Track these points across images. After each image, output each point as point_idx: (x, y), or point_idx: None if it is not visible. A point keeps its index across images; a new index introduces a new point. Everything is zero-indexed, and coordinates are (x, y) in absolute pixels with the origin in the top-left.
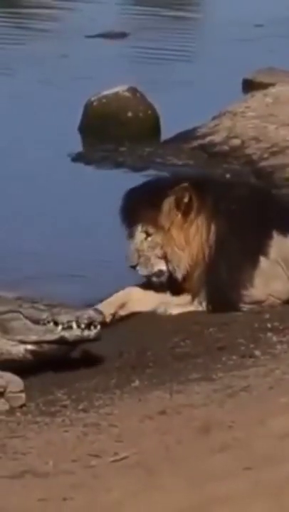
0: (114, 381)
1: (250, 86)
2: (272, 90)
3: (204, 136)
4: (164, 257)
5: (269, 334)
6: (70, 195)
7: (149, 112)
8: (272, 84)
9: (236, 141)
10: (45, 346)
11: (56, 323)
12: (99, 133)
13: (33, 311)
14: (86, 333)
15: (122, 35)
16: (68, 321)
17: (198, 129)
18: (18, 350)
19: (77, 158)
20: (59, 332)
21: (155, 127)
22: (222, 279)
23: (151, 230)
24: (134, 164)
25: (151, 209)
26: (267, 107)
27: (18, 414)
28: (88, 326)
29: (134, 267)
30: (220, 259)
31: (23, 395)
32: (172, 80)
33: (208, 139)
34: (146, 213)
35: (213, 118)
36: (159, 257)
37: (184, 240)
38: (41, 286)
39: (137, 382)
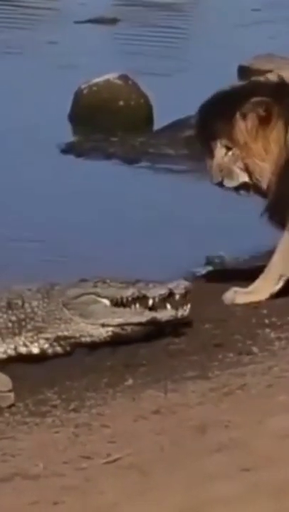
0: (107, 380)
1: (246, 73)
2: (270, 77)
3: None
4: (247, 169)
5: (267, 330)
6: (60, 188)
7: (142, 100)
8: (270, 71)
9: None
10: (128, 328)
11: (146, 299)
12: (89, 122)
13: (113, 290)
14: (180, 312)
15: (113, 21)
16: (160, 295)
17: (192, 118)
18: (100, 332)
19: (66, 148)
20: (149, 313)
21: (148, 116)
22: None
23: (229, 144)
24: (126, 155)
25: (227, 124)
26: None
27: (7, 414)
28: (181, 305)
29: (219, 184)
30: None
31: (11, 394)
32: (165, 67)
33: None
34: (222, 128)
35: None
36: (242, 169)
37: (264, 150)
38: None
39: (130, 381)
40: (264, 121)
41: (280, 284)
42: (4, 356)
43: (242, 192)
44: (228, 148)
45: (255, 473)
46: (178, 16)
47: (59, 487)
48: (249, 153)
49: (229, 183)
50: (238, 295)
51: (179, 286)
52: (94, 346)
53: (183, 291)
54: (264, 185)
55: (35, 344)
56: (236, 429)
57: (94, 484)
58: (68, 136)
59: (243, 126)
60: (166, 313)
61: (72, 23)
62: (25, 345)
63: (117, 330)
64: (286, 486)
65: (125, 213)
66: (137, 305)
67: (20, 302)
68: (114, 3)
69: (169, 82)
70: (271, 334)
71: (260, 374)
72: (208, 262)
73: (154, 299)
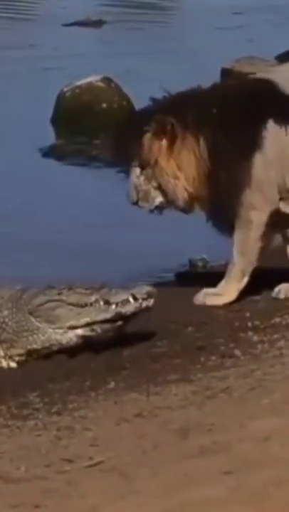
0: (89, 383)
1: (229, 76)
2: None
3: None
4: (160, 189)
5: (250, 333)
6: (42, 191)
7: (124, 102)
8: (253, 74)
9: None
10: (98, 328)
11: (108, 303)
12: (72, 125)
13: (77, 297)
14: (144, 303)
15: (99, 23)
16: (124, 300)
17: None
18: (69, 337)
19: (48, 151)
20: (113, 309)
21: None
22: (221, 189)
23: (142, 164)
24: (108, 158)
25: (137, 144)
26: None
27: None
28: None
29: (136, 204)
30: (216, 168)
31: None
32: (148, 70)
33: None
34: (133, 148)
35: None
36: (156, 188)
37: (177, 168)
38: None
39: (112, 384)
40: (171, 138)
41: (246, 280)
42: None
43: (156, 213)
44: (143, 168)
45: (237, 476)
46: (162, 19)
47: (41, 490)
48: (161, 172)
49: (144, 206)
50: (207, 297)
51: (141, 291)
52: (76, 349)
53: (145, 296)
54: (180, 203)
55: (12, 358)
56: (219, 432)
57: (76, 487)
58: (51, 139)
59: (151, 145)
60: (131, 306)
61: (59, 25)
62: (4, 357)
63: (87, 331)
64: (267, 489)
65: (107, 215)
66: (101, 303)
67: None
68: (100, 6)
69: (152, 84)
70: (254, 337)
71: (242, 377)
72: (191, 265)
73: (116, 304)
